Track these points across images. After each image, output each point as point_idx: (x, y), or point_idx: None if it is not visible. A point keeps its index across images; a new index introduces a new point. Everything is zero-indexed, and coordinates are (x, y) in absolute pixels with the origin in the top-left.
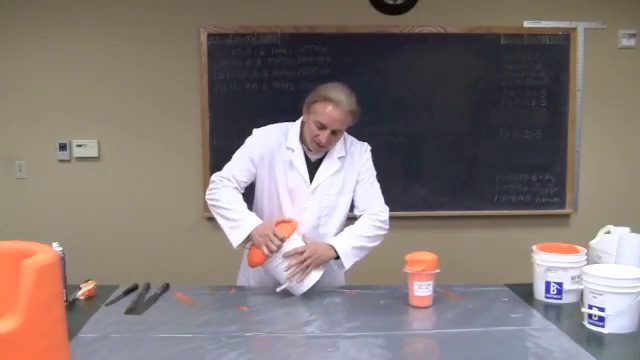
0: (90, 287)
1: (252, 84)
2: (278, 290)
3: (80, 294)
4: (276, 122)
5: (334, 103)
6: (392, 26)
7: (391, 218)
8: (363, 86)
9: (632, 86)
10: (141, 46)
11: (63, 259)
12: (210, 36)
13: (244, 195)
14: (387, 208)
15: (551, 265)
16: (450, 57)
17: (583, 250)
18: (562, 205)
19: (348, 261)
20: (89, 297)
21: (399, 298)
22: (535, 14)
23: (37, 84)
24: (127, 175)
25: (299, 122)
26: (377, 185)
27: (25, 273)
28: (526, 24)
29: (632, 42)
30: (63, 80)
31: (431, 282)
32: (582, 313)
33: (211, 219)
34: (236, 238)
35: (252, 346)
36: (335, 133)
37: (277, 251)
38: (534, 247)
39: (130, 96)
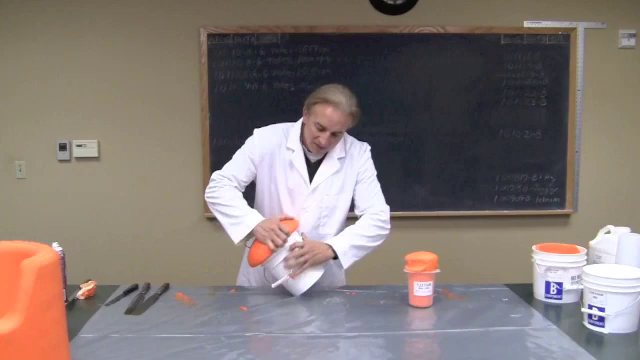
0: (90, 287)
1: (252, 84)
2: (273, 286)
3: (80, 294)
4: (276, 122)
5: (334, 105)
6: (392, 26)
7: (391, 218)
8: (363, 86)
9: (632, 86)
10: (141, 46)
11: (63, 259)
12: (210, 36)
13: (244, 195)
14: (388, 208)
15: (551, 265)
16: (450, 57)
17: (583, 250)
18: (562, 205)
19: (346, 260)
20: (89, 297)
21: (399, 298)
22: (535, 14)
23: (37, 84)
24: (127, 175)
25: (300, 122)
26: (377, 185)
27: (25, 273)
28: (526, 24)
29: (632, 42)
30: (63, 80)
31: (431, 282)
32: (582, 313)
33: (211, 219)
34: (237, 234)
35: (252, 346)
36: (335, 135)
37: (282, 245)
38: (534, 247)
39: (130, 96)
